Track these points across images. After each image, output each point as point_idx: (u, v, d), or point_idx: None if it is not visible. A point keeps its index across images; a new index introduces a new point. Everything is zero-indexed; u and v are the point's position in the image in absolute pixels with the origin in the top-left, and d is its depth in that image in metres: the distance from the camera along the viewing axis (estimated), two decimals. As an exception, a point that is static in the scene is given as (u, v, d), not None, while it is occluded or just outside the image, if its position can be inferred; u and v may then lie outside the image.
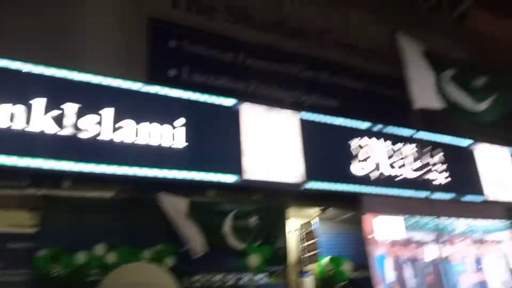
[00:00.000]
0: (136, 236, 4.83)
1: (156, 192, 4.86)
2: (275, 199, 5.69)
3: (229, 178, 5.29)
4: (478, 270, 6.77)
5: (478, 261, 6.84)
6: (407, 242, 6.27)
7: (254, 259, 4.68)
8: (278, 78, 7.06)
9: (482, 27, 11.47)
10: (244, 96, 6.13)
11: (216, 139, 5.41)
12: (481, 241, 7.03)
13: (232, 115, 5.64)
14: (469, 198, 7.31)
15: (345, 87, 7.78)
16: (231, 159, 5.38)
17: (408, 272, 6.12)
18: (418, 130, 6.25)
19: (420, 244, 6.38)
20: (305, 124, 6.05)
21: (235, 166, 5.34)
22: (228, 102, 5.72)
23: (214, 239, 4.90)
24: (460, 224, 6.90)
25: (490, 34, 11.46)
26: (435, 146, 7.19)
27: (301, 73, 7.40)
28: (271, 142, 5.70)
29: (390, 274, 5.94)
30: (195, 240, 4.74)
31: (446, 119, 6.78)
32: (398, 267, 6.10)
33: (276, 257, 5.27)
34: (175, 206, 4.84)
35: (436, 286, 6.10)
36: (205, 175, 5.12)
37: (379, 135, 6.71)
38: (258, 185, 5.49)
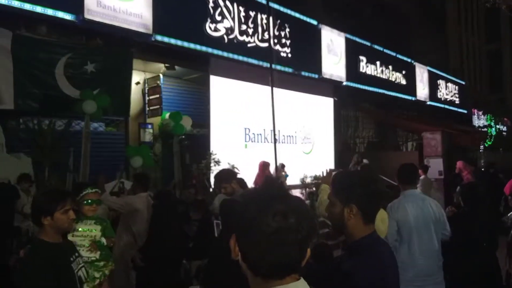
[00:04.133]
0: None
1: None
2: (119, 47, 5.32)
3: (66, 16, 4.66)
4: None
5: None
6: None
7: (88, 107, 4.44)
8: None
9: None
10: None
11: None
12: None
13: None
14: (305, 74, 8.08)
15: None
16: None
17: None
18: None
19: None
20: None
21: (75, 3, 4.69)
22: None
23: (43, 81, 4.45)
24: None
25: None
26: (284, 19, 7.45)
27: None
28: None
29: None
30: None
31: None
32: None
33: (116, 106, 5.14)
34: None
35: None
36: (37, 7, 4.40)
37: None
38: (100, 29, 5.00)
